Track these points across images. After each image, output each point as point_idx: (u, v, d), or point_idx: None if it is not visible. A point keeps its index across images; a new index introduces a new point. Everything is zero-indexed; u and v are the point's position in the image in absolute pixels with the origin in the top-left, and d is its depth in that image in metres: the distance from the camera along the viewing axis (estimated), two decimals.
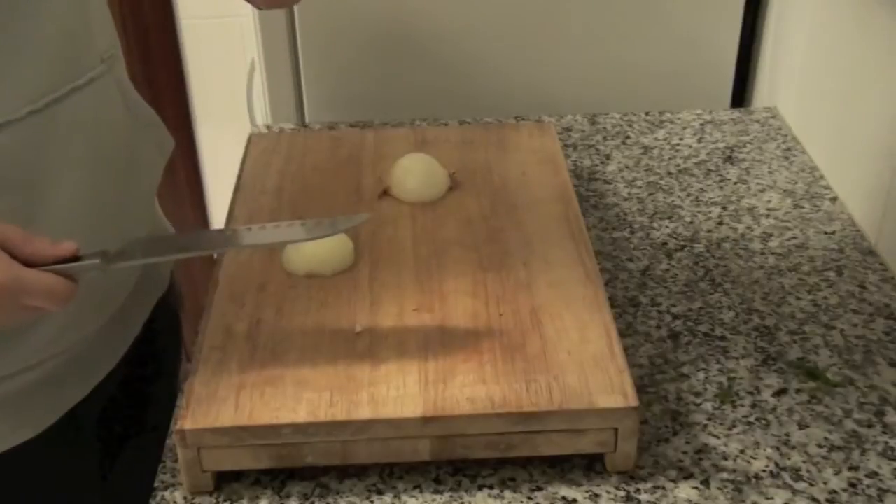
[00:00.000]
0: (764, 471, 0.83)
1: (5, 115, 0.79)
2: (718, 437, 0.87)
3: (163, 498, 0.82)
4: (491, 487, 0.82)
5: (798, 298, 1.04)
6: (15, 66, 0.79)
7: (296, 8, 1.42)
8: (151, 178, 1.01)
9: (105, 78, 0.89)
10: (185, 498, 0.82)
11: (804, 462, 0.84)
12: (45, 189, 0.83)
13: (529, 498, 0.81)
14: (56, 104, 0.82)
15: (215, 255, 0.97)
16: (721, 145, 1.33)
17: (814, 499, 0.81)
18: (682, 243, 1.13)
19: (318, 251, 0.94)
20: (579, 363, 0.83)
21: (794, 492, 0.81)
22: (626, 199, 1.21)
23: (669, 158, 1.30)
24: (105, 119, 0.89)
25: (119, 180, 0.92)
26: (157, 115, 1.03)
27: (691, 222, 1.17)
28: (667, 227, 1.16)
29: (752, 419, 0.89)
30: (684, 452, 0.85)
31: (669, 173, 1.27)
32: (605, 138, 1.35)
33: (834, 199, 1.21)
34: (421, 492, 0.82)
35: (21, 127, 0.80)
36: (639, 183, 1.25)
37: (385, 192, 1.08)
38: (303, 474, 0.83)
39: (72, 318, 0.87)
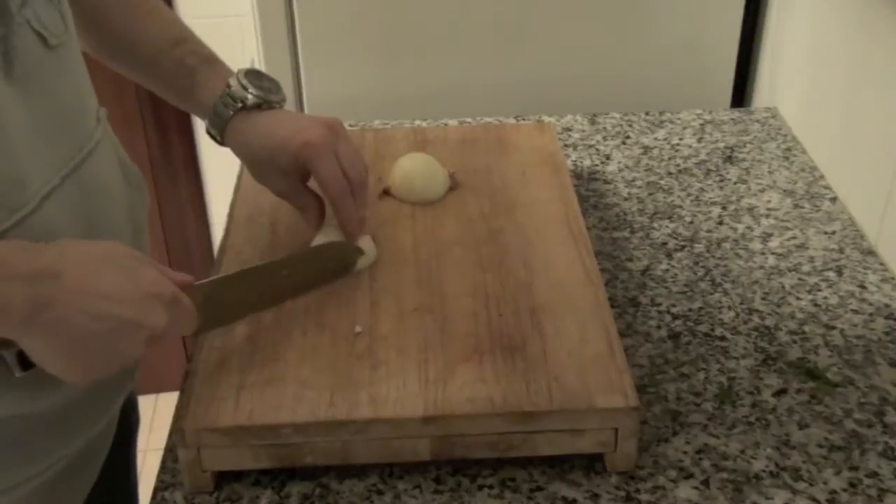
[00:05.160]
0: (764, 471, 0.83)
1: (48, 182, 0.77)
2: (718, 437, 0.87)
3: (163, 498, 0.82)
4: (491, 487, 0.82)
5: (798, 298, 1.04)
6: (44, 134, 0.78)
7: (296, 7, 1.42)
8: (143, 237, 0.97)
9: (104, 139, 0.87)
10: (185, 498, 0.82)
11: (804, 462, 0.84)
12: None
13: (529, 498, 0.81)
14: (79, 169, 0.81)
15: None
16: (721, 145, 1.33)
17: (814, 499, 0.81)
18: (682, 243, 1.13)
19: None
20: (579, 363, 0.83)
21: (794, 492, 0.81)
22: (626, 199, 1.21)
23: (669, 158, 1.30)
24: (110, 184, 0.87)
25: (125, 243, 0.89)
26: (139, 171, 0.99)
27: (691, 222, 1.17)
28: (667, 227, 1.16)
29: (752, 419, 0.89)
30: (684, 452, 0.85)
31: (669, 173, 1.27)
32: (605, 138, 1.35)
33: (834, 199, 1.20)
34: (421, 492, 0.82)
35: (60, 194, 0.78)
36: (639, 183, 1.25)
37: (385, 192, 1.08)
38: (303, 474, 0.83)
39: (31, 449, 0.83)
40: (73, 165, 0.80)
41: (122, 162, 0.93)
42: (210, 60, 0.97)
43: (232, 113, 0.94)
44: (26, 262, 0.68)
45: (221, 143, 0.98)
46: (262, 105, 0.94)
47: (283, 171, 0.95)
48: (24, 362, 0.72)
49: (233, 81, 0.94)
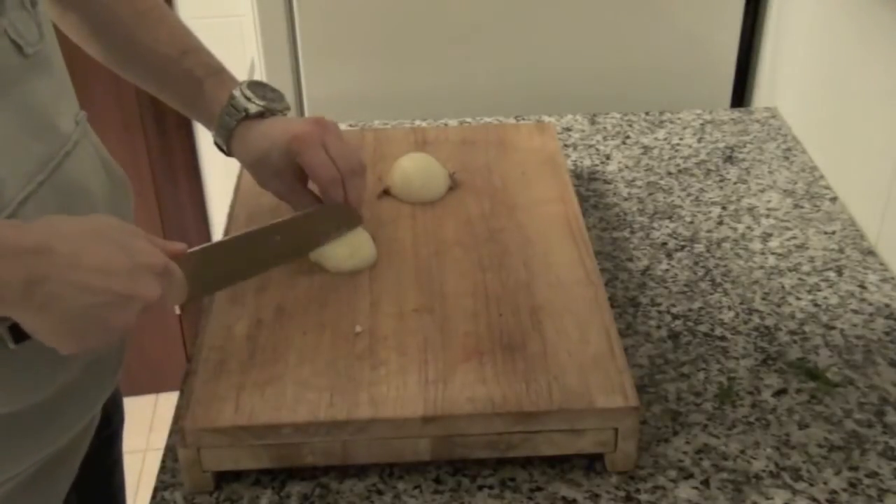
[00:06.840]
0: (764, 471, 0.83)
1: (25, 188, 0.77)
2: (718, 437, 0.87)
3: (163, 498, 0.82)
4: (491, 487, 0.82)
5: (798, 298, 1.04)
6: (19, 140, 0.78)
7: (296, 7, 1.42)
8: None
9: (84, 141, 0.87)
10: (185, 498, 0.82)
11: (804, 462, 0.84)
12: None
13: (529, 498, 0.81)
14: (56, 172, 0.81)
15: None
16: (721, 145, 1.33)
17: (814, 499, 0.81)
18: (682, 243, 1.13)
19: (360, 248, 0.96)
20: (579, 363, 0.83)
21: (794, 492, 0.81)
22: (626, 199, 1.21)
23: (669, 158, 1.30)
24: (89, 184, 0.87)
25: None
26: (123, 170, 0.98)
27: (691, 222, 1.17)
28: (667, 227, 1.16)
29: (752, 419, 0.89)
30: (684, 452, 0.85)
31: (669, 173, 1.27)
32: (605, 138, 1.35)
33: (834, 199, 1.20)
34: (421, 492, 0.82)
35: (37, 198, 0.78)
36: (639, 183, 1.25)
37: (385, 192, 1.08)
38: (303, 474, 0.83)
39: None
40: (50, 170, 0.81)
41: (105, 162, 0.93)
42: (217, 72, 0.98)
43: (235, 123, 0.96)
44: (17, 239, 0.68)
45: (228, 153, 0.99)
46: (264, 114, 0.96)
47: (278, 171, 0.96)
48: (17, 335, 0.72)
49: (236, 93, 0.96)
